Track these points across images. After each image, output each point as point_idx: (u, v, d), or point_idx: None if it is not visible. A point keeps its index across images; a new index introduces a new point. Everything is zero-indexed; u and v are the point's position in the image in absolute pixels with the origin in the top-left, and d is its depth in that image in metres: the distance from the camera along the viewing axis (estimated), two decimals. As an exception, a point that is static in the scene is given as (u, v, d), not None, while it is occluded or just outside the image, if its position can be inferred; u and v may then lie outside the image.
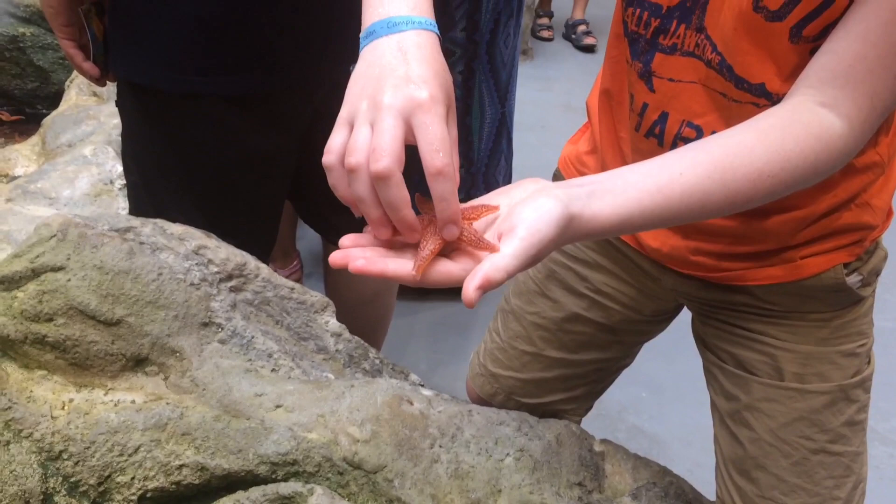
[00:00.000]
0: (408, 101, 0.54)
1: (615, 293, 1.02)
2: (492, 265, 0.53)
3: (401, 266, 0.56)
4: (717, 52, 0.78)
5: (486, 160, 1.84)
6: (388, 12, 0.59)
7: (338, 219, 1.33)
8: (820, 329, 0.92)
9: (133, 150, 1.13)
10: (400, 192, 0.53)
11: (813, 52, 0.69)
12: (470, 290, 0.52)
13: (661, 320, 1.08)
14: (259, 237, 1.18)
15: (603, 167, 0.97)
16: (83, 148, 1.44)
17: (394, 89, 0.54)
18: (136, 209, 1.16)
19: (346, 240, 0.59)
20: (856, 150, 0.67)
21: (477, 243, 0.56)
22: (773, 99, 0.75)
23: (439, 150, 0.53)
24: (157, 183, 1.13)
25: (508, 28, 1.71)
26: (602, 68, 0.95)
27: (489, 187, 1.87)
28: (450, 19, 1.42)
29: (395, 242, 0.59)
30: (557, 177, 1.07)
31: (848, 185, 0.85)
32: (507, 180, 2.03)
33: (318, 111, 1.14)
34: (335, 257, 0.57)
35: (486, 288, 0.52)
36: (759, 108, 0.75)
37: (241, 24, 0.99)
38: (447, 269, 0.57)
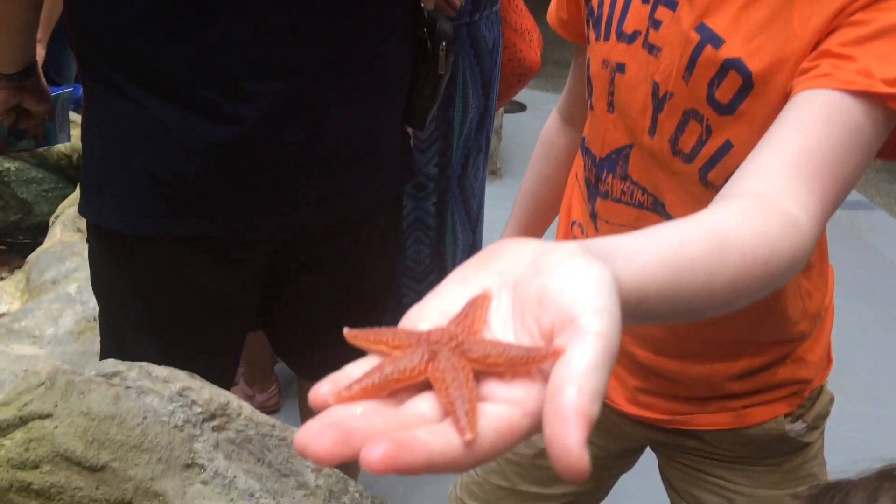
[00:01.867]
0: None
1: None
2: (578, 393, 0.30)
3: (444, 441, 0.31)
4: (648, 194, 0.84)
5: None
6: None
7: (310, 354, 1.36)
8: (772, 474, 0.96)
9: (96, 283, 1.18)
10: None
11: None
12: (573, 447, 0.29)
13: (629, 456, 1.11)
14: (217, 371, 1.20)
15: None
16: (67, 285, 1.48)
17: None
18: (103, 337, 1.21)
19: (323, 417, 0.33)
20: (813, 248, 0.62)
21: (524, 360, 0.33)
22: None
23: None
24: (116, 315, 1.17)
25: (478, 162, 1.81)
26: (564, 202, 1.04)
27: (463, 194, 1.90)
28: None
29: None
30: None
31: (778, 347, 0.91)
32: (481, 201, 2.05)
33: (281, 253, 1.18)
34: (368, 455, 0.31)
35: (588, 427, 0.30)
36: None
37: (193, 177, 1.03)
38: (499, 416, 0.33)
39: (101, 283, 1.17)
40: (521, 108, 4.94)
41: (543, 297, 0.34)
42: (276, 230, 1.13)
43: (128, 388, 0.94)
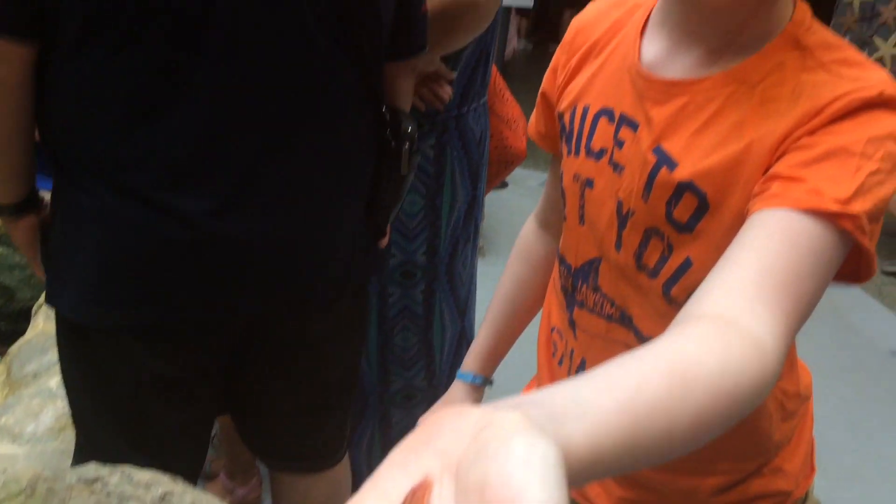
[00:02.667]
0: None
1: None
2: None
3: None
4: (616, 307, 0.86)
5: (446, 374, 1.88)
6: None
7: (274, 443, 1.35)
8: None
9: (64, 374, 1.17)
10: None
11: None
12: None
13: None
14: (184, 459, 1.19)
15: None
16: (49, 379, 1.45)
17: None
18: (76, 430, 1.20)
19: None
20: (780, 368, 0.60)
21: None
22: None
23: None
24: (83, 406, 1.17)
25: (466, 250, 1.82)
26: (545, 306, 1.05)
27: (451, 282, 1.88)
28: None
29: None
30: None
31: (755, 458, 0.90)
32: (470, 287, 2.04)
33: (242, 340, 1.18)
34: None
35: None
36: None
37: (148, 270, 1.04)
38: None
39: (67, 373, 1.17)
40: (504, 185, 4.99)
41: (485, 486, 0.32)
42: (232, 320, 1.14)
43: (109, 494, 0.91)
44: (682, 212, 0.76)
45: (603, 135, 0.84)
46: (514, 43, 7.20)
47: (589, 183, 0.86)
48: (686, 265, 0.77)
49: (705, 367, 0.51)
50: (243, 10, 0.98)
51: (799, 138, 0.67)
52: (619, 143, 0.82)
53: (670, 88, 0.76)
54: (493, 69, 2.17)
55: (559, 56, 0.94)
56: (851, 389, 3.00)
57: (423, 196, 1.69)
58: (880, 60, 6.06)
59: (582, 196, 0.87)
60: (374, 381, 1.84)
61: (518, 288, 1.10)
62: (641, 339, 0.84)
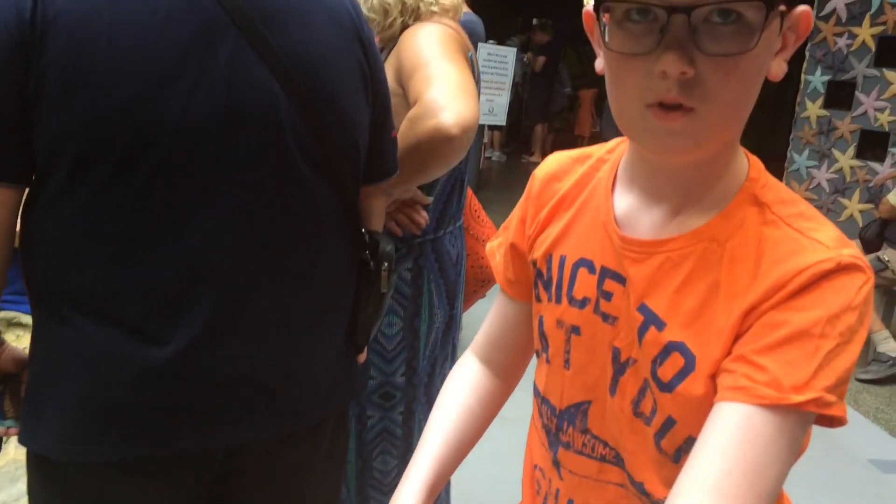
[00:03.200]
0: None
1: None
2: None
3: None
4: (609, 448, 0.87)
5: None
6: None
7: None
8: None
9: None
10: None
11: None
12: None
13: None
14: None
15: None
16: (19, 512, 1.41)
17: None
18: None
19: None
20: None
21: None
22: (653, 499, 0.82)
23: None
24: None
25: (444, 370, 1.83)
26: (527, 444, 1.04)
27: (430, 402, 1.85)
28: None
29: None
30: None
31: None
32: None
33: (219, 472, 1.16)
34: None
35: None
36: None
37: (127, 401, 1.03)
38: None
39: None
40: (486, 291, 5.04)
41: None
42: (211, 450, 1.13)
43: None
44: (666, 371, 0.78)
45: (584, 284, 0.87)
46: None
47: (575, 329, 0.88)
48: (670, 423, 0.79)
49: None
50: (230, 145, 1.02)
51: (764, 312, 0.72)
52: (606, 295, 0.84)
53: (646, 248, 0.81)
54: (469, 192, 2.24)
55: (526, 208, 0.97)
56: (832, 502, 2.97)
57: (402, 318, 1.72)
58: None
59: (568, 341, 0.89)
60: None
61: (465, 418, 1.01)
62: (633, 482, 0.85)
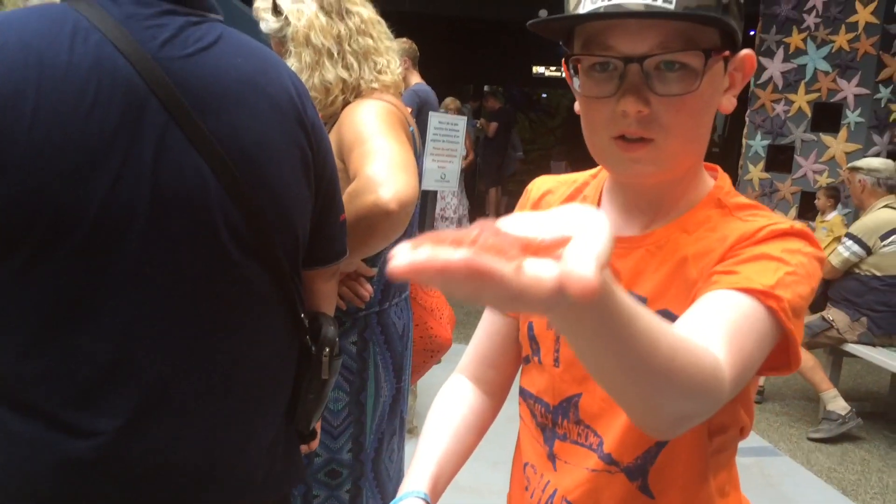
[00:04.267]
0: None
1: None
2: (587, 245, 0.45)
3: (500, 266, 0.42)
4: (597, 435, 0.95)
5: None
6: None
7: None
8: None
9: None
10: None
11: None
12: (587, 268, 0.43)
13: None
14: None
15: None
16: None
17: None
18: None
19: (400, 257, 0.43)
20: (730, 394, 0.73)
21: (549, 247, 0.45)
22: (621, 467, 0.93)
23: None
24: None
25: (392, 445, 1.80)
26: (516, 447, 1.09)
27: (378, 478, 1.80)
28: None
29: None
30: None
31: None
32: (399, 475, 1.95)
33: None
34: (398, 261, 0.43)
35: (601, 263, 0.44)
36: (631, 482, 0.92)
37: (45, 495, 0.99)
38: (538, 269, 0.44)
39: None
40: (437, 360, 5.00)
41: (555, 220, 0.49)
42: None
43: None
44: None
45: None
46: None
47: None
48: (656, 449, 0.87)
49: (679, 331, 0.68)
50: (155, 231, 0.99)
51: (730, 257, 0.85)
52: None
53: (628, 244, 0.93)
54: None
55: (524, 205, 1.08)
56: (790, 564, 2.96)
57: (347, 392, 1.69)
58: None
59: (557, 341, 0.97)
60: None
61: (463, 428, 1.04)
62: (612, 460, 0.93)
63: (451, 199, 7.52)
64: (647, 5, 0.80)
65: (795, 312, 0.80)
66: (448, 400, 1.08)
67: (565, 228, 0.47)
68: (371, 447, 1.74)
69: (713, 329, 0.75)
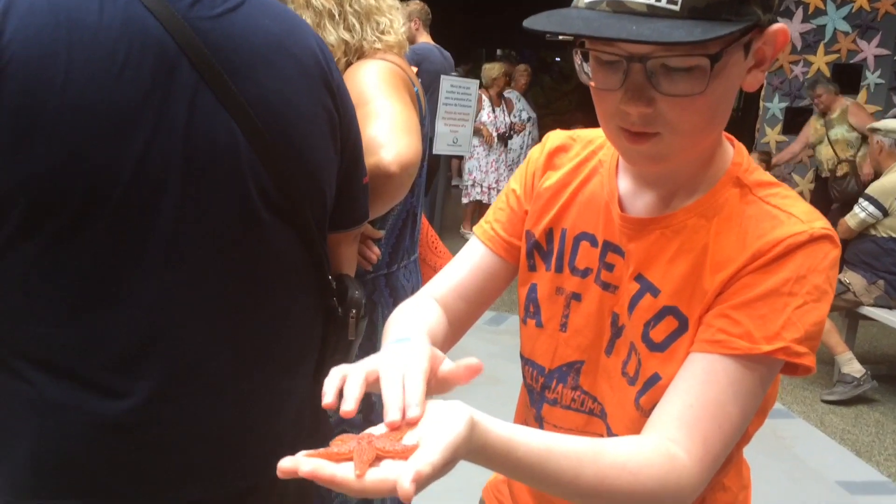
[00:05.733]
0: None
1: None
2: (420, 461, 0.60)
3: (348, 477, 0.61)
4: (597, 402, 0.96)
5: None
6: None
7: None
8: None
9: None
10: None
11: None
12: (405, 483, 0.58)
13: None
14: None
15: (513, 496, 1.12)
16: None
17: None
18: None
19: (286, 461, 0.64)
20: (699, 484, 0.79)
21: (401, 454, 0.63)
22: None
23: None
24: None
25: None
26: (517, 407, 1.11)
27: None
28: None
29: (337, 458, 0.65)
30: None
31: None
32: None
33: None
34: (284, 464, 0.63)
35: (419, 481, 0.59)
36: None
37: (80, 457, 0.99)
38: (382, 474, 0.61)
39: None
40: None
41: (428, 418, 0.66)
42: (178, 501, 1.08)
43: None
44: (659, 333, 0.88)
45: (586, 256, 0.96)
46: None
47: (576, 296, 0.97)
48: (655, 379, 0.87)
49: (617, 451, 0.76)
50: (189, 195, 0.99)
51: (743, 277, 0.83)
52: (608, 266, 0.94)
53: (643, 225, 0.91)
54: (425, 223, 2.24)
55: (534, 171, 1.04)
56: (802, 524, 2.97)
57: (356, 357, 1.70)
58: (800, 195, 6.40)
59: (567, 307, 0.98)
60: None
61: (441, 325, 0.98)
62: (611, 433, 0.93)
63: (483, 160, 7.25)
64: (649, 6, 0.74)
65: (809, 341, 0.81)
66: (418, 305, 1.00)
67: (420, 433, 0.64)
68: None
69: (681, 419, 0.80)
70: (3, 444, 1.01)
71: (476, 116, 6.92)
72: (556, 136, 1.06)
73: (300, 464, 0.62)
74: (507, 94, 7.51)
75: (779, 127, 6.87)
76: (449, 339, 1.02)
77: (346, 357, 1.26)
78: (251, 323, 1.08)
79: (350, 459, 0.63)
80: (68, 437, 0.99)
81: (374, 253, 1.63)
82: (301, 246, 1.13)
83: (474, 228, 1.08)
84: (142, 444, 1.02)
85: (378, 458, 0.63)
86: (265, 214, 1.06)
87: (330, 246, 1.24)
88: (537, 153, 1.05)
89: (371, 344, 1.70)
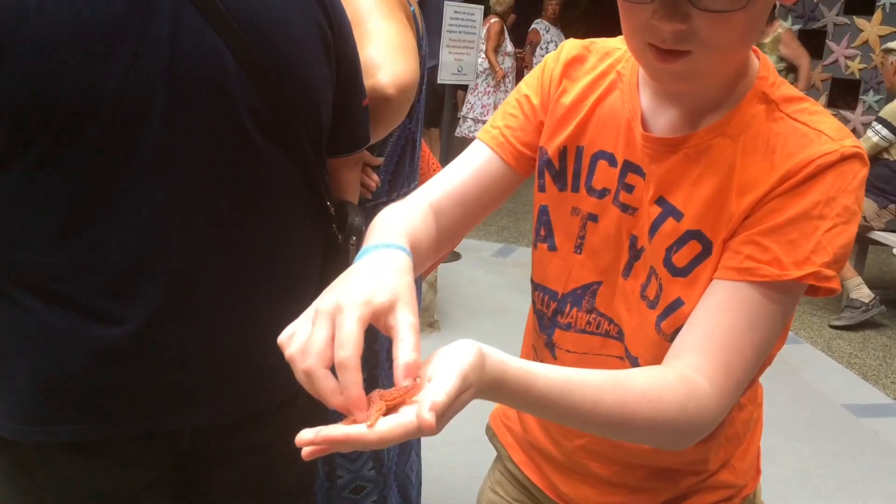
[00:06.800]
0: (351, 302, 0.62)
1: None
2: (432, 391, 0.57)
3: (360, 431, 0.58)
4: (613, 324, 0.95)
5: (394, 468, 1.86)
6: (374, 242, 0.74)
7: None
8: None
9: (1, 494, 1.11)
10: (354, 377, 0.59)
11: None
12: (425, 413, 0.56)
13: None
14: None
15: (522, 423, 1.12)
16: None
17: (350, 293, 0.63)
18: None
19: (305, 433, 0.60)
20: (721, 411, 0.79)
21: (408, 394, 0.60)
22: None
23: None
24: None
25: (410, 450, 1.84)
26: (525, 334, 1.10)
27: (400, 486, 1.87)
28: None
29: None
30: (489, 431, 1.21)
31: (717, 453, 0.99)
32: (419, 475, 2.03)
33: (188, 449, 1.13)
34: (302, 436, 0.59)
35: (436, 409, 0.56)
36: None
37: (79, 382, 1.00)
38: (396, 419, 0.58)
39: (4, 493, 1.11)
40: (457, 256, 5.03)
41: (434, 359, 0.63)
42: (173, 429, 1.09)
43: None
44: (682, 258, 0.85)
45: (604, 176, 0.92)
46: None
47: (592, 217, 0.94)
48: (677, 304, 0.85)
49: (636, 380, 0.76)
50: (175, 114, 0.97)
51: (771, 200, 0.80)
52: (628, 188, 0.90)
53: (666, 146, 0.86)
54: (426, 151, 2.20)
55: (553, 70, 0.98)
56: (809, 446, 3.01)
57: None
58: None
59: (583, 228, 0.94)
60: None
61: (424, 236, 0.86)
62: (629, 356, 0.92)
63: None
64: None
65: (837, 264, 0.79)
66: (405, 208, 0.90)
67: (430, 372, 0.61)
68: (392, 460, 1.77)
69: (703, 348, 0.79)
70: (3, 371, 1.02)
71: (500, 48, 6.78)
72: (571, 46, 1.00)
73: (315, 431, 0.59)
74: (536, 24, 7.30)
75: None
76: (440, 246, 0.94)
77: None
78: (246, 246, 1.07)
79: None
80: (68, 364, 0.99)
81: (373, 180, 1.61)
82: (296, 169, 1.10)
83: (479, 133, 1.01)
84: (141, 369, 1.02)
85: (389, 410, 0.60)
86: (257, 137, 1.04)
87: (331, 171, 1.21)
88: (553, 61, 0.99)
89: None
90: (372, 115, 1.32)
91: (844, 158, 0.79)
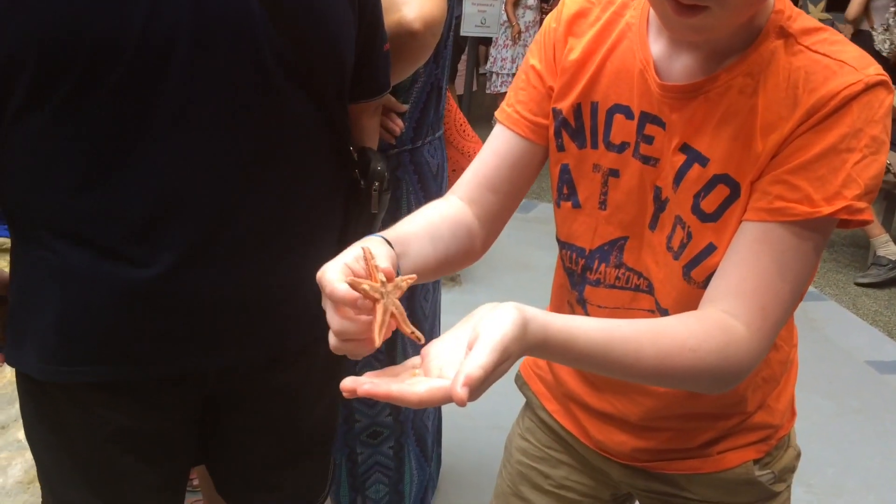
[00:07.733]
0: None
1: (575, 485, 1.15)
2: (469, 364, 0.59)
3: (404, 389, 0.62)
4: (643, 278, 0.95)
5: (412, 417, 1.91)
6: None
7: (249, 495, 1.31)
8: None
9: (27, 432, 1.15)
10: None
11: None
12: (458, 389, 0.58)
13: (622, 502, 1.19)
14: None
15: (553, 372, 1.13)
16: (17, 431, 1.45)
17: None
18: (42, 487, 1.17)
19: (347, 381, 0.64)
20: (759, 354, 0.80)
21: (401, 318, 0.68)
22: None
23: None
24: (48, 464, 1.14)
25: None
26: (553, 290, 1.11)
27: (417, 434, 1.92)
28: None
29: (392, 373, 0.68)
30: (519, 380, 1.22)
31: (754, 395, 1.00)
32: (437, 423, 2.07)
33: (213, 390, 1.15)
34: (345, 384, 0.64)
35: (470, 384, 0.58)
36: None
37: (107, 324, 1.02)
38: (436, 384, 0.62)
39: (31, 431, 1.14)
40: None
41: (476, 327, 0.64)
42: (197, 372, 1.11)
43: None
44: (711, 203, 0.85)
45: (622, 130, 0.92)
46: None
47: (614, 173, 0.93)
48: (710, 249, 0.86)
49: (675, 329, 0.76)
50: (199, 58, 0.97)
51: (797, 137, 0.79)
52: (647, 139, 0.90)
53: (685, 92, 0.85)
54: (453, 105, 2.19)
55: (556, 30, 0.97)
56: (831, 402, 3.01)
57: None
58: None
59: (605, 184, 0.94)
60: None
61: (454, 221, 0.94)
62: (660, 308, 0.93)
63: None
64: None
65: (868, 195, 0.78)
66: (429, 205, 0.96)
67: (472, 338, 0.63)
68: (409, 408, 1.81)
69: (738, 291, 0.79)
70: (30, 312, 1.04)
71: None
72: (572, 1, 0.98)
73: (360, 383, 0.63)
74: None
75: (822, 4, 6.56)
76: (478, 238, 0.97)
77: (369, 230, 1.25)
78: (269, 191, 1.07)
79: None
80: (93, 305, 1.01)
81: (398, 125, 1.61)
82: (319, 114, 1.11)
83: (496, 114, 1.02)
84: (166, 312, 1.04)
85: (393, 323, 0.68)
86: (281, 80, 1.04)
87: (351, 117, 1.21)
88: (554, 22, 0.98)
89: (394, 220, 1.71)
90: (397, 52, 1.30)
91: (869, 87, 0.78)
